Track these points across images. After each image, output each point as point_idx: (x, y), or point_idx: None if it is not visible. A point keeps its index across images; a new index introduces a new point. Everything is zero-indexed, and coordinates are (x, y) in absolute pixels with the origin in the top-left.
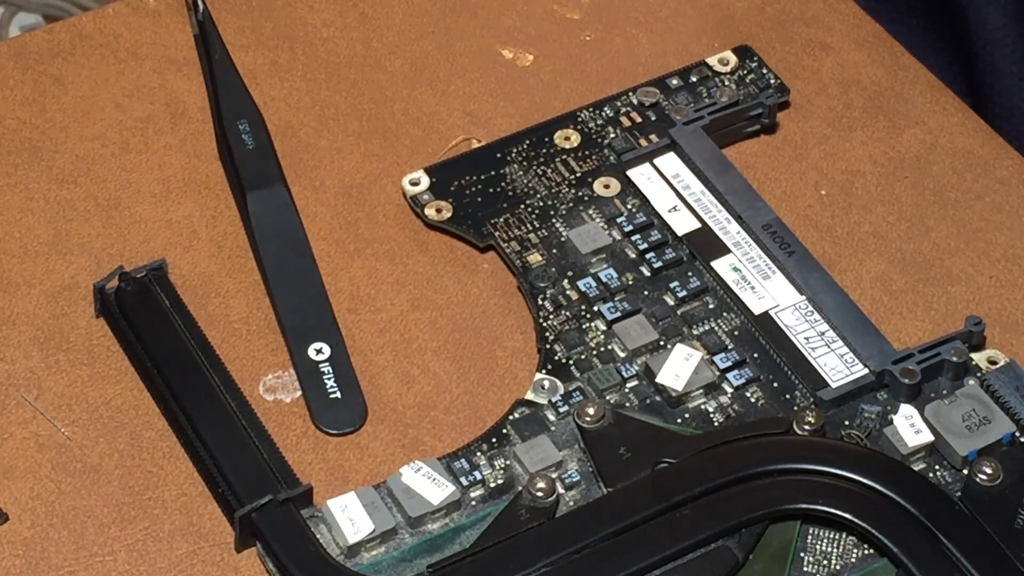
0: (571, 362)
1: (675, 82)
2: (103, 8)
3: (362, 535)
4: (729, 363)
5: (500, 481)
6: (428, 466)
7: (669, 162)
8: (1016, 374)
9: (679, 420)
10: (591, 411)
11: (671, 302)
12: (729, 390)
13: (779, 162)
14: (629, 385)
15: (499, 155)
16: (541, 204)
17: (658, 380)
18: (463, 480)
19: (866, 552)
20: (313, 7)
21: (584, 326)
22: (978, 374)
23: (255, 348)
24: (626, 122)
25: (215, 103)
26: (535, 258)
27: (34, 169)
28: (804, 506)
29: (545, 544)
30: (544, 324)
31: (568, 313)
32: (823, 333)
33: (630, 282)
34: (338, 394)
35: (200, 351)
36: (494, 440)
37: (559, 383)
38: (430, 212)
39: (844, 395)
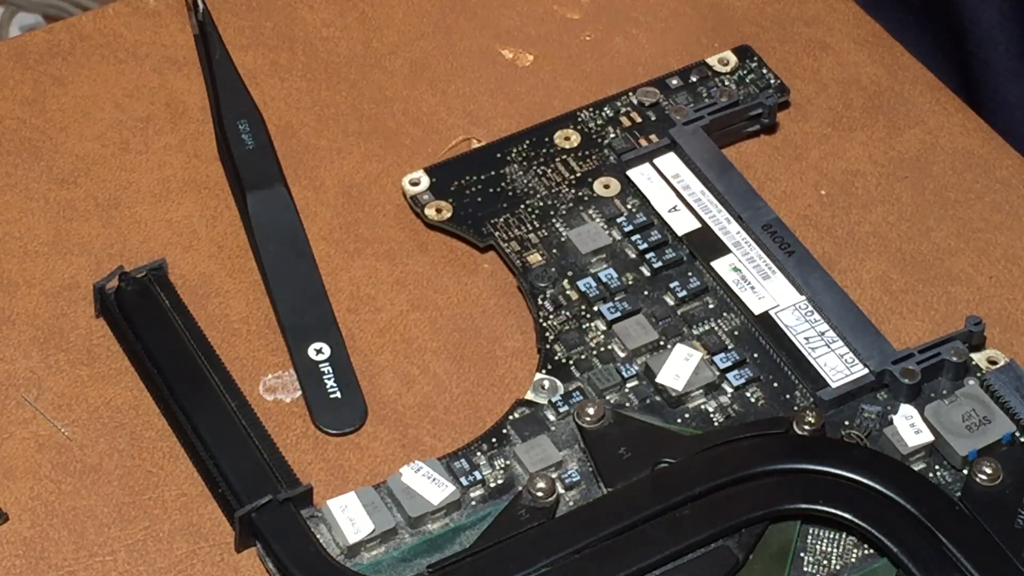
0: (571, 362)
1: (675, 82)
2: (103, 8)
3: (362, 535)
4: (729, 363)
5: (500, 481)
6: (428, 466)
7: (669, 162)
8: (1016, 374)
9: (679, 420)
10: (591, 411)
11: (671, 302)
12: (729, 390)
13: (779, 162)
14: (629, 385)
15: (499, 155)
16: (541, 204)
17: (658, 380)
18: (463, 480)
19: (866, 552)
20: (313, 7)
21: (584, 326)
22: (978, 374)
23: (255, 348)
24: (626, 122)
25: (215, 103)
26: (535, 258)
27: (34, 169)
28: (804, 506)
29: (545, 544)
30: (544, 324)
31: (568, 313)
32: (823, 333)
33: (630, 282)
34: (338, 394)
35: (200, 351)
36: (494, 440)
37: (559, 383)
38: (430, 212)
39: (844, 395)
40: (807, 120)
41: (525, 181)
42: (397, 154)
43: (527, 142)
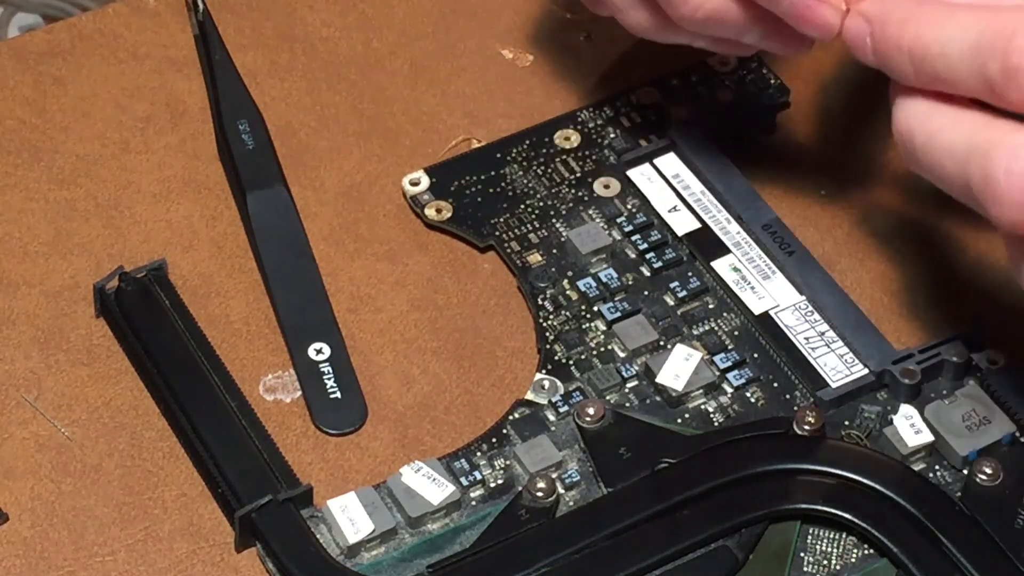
0: (571, 362)
1: (675, 82)
2: (103, 8)
3: (362, 535)
4: (729, 363)
5: (500, 481)
6: (428, 466)
7: (669, 162)
8: (1016, 374)
9: (679, 420)
10: (591, 411)
11: (671, 302)
12: (729, 390)
13: (779, 162)
14: (629, 385)
15: (499, 155)
16: (541, 204)
17: (658, 380)
18: (463, 480)
19: (866, 552)
20: (313, 7)
21: (584, 326)
22: (978, 374)
23: (255, 348)
24: (626, 122)
25: (215, 103)
26: (535, 258)
27: (34, 169)
28: (804, 506)
29: (545, 544)
30: (544, 324)
31: (568, 313)
32: (823, 333)
33: (630, 282)
34: (338, 394)
35: (200, 351)
36: (494, 440)
37: (559, 383)
38: (430, 212)
39: (844, 395)
40: (807, 120)
41: (525, 181)
42: (397, 154)
43: (527, 142)
